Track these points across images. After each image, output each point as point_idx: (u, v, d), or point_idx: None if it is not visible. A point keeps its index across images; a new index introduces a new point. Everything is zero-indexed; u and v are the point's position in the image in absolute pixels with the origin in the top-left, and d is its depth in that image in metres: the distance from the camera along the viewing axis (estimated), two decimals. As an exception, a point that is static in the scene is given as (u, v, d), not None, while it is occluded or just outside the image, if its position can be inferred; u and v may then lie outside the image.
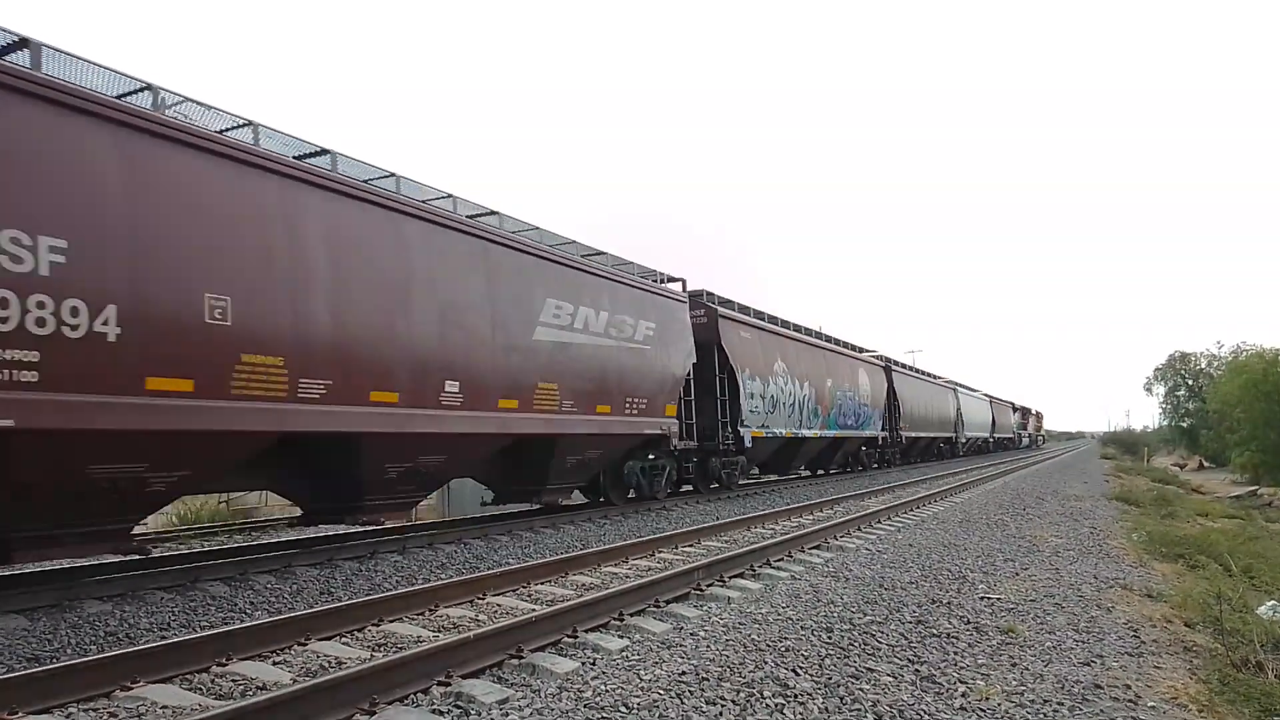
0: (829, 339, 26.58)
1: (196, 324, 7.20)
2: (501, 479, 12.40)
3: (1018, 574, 7.97)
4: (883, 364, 31.38)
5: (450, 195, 10.87)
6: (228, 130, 8.15)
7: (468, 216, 10.98)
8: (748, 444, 17.95)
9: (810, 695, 4.24)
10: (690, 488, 17.88)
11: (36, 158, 6.33)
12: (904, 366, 35.74)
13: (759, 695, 4.20)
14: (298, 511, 10.49)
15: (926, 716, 4.03)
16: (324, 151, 9.18)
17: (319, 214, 8.59)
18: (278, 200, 8.18)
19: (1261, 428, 33.47)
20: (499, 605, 6.70)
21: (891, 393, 30.92)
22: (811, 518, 13.30)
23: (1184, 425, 62.99)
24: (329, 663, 5.10)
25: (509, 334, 11.04)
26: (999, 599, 6.77)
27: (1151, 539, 10.94)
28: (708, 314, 17.57)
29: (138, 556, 8.10)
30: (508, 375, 10.96)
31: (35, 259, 6.11)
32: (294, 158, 8.72)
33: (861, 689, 4.38)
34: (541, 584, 7.56)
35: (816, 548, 9.61)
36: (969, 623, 5.92)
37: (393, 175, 9.88)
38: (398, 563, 9.01)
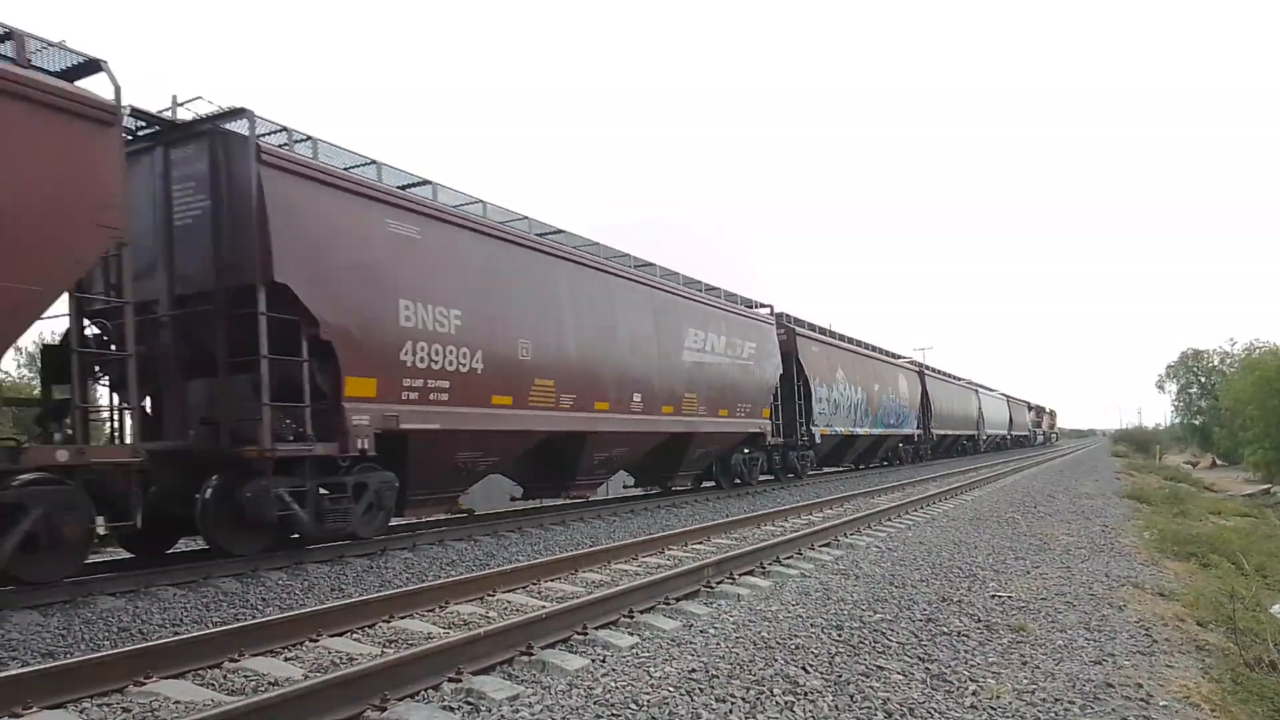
0: (875, 349, 30.32)
1: (515, 360, 11.23)
2: (649, 469, 16.51)
3: (1029, 572, 7.94)
4: (917, 369, 35.01)
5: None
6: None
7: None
8: (817, 440, 22.06)
9: (820, 693, 4.23)
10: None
11: (450, 260, 10.42)
12: (935, 370, 39.16)
13: (769, 693, 4.19)
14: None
15: (937, 715, 4.02)
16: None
17: (567, 280, 12.67)
18: (547, 272, 12.23)
19: (1275, 425, 33.27)
20: (509, 602, 6.72)
21: (925, 395, 34.28)
22: (821, 515, 13.28)
23: (1196, 423, 62.66)
24: (340, 659, 5.12)
25: (667, 357, 15.14)
26: (1010, 597, 6.75)
27: (1163, 537, 10.90)
28: (787, 332, 21.20)
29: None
30: (667, 388, 15.02)
31: (449, 324, 10.10)
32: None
33: (872, 687, 4.37)
34: (552, 581, 7.57)
35: (826, 545, 9.60)
36: (980, 621, 5.91)
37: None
38: (408, 559, 9.03)
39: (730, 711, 3.94)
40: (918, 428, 33.23)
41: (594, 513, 13.13)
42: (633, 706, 3.95)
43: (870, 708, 4.06)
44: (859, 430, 25.67)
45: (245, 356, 8.17)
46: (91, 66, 7.35)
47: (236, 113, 8.42)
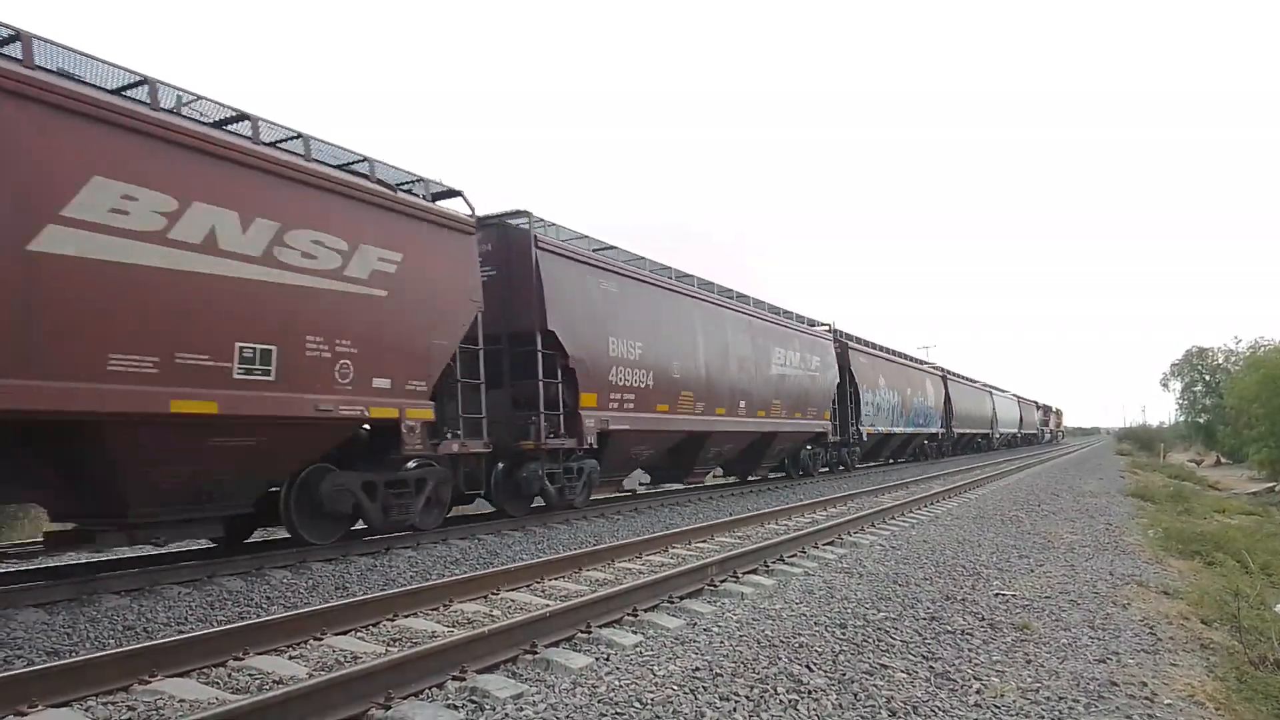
0: (908, 357, 34.95)
1: (670, 377, 14.97)
2: (739, 463, 20.07)
3: (1032, 570, 7.93)
4: (940, 373, 38.57)
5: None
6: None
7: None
8: (864, 438, 26.05)
9: (824, 691, 4.23)
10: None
11: (635, 306, 14.19)
12: (955, 375, 42.74)
13: (773, 691, 4.19)
14: None
15: (941, 713, 4.02)
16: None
17: (699, 314, 16.53)
18: (686, 310, 16.16)
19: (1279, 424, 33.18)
20: (513, 600, 6.72)
21: (947, 397, 37.82)
22: (825, 513, 13.28)
23: (1201, 421, 62.47)
24: (344, 657, 5.13)
25: (761, 371, 18.89)
26: (1014, 595, 6.74)
27: (1168, 535, 10.87)
28: (841, 346, 24.98)
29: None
30: (761, 396, 18.69)
31: (635, 352, 13.77)
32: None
33: (875, 685, 4.37)
34: (555, 579, 7.58)
35: (830, 544, 9.60)
36: (983, 619, 5.90)
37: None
38: (412, 558, 9.04)
39: (734, 710, 3.93)
40: (941, 427, 36.69)
41: (597, 511, 13.16)
42: (637, 705, 3.95)
43: (874, 706, 4.06)
44: (895, 429, 29.56)
45: (520, 379, 11.85)
46: (454, 193, 10.87)
47: (521, 213, 12.12)
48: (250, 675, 4.76)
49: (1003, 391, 56.85)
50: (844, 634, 5.35)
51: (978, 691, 4.35)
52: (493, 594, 6.90)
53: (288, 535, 9.23)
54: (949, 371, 40.72)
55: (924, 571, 7.70)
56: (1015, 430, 58.56)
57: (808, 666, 4.62)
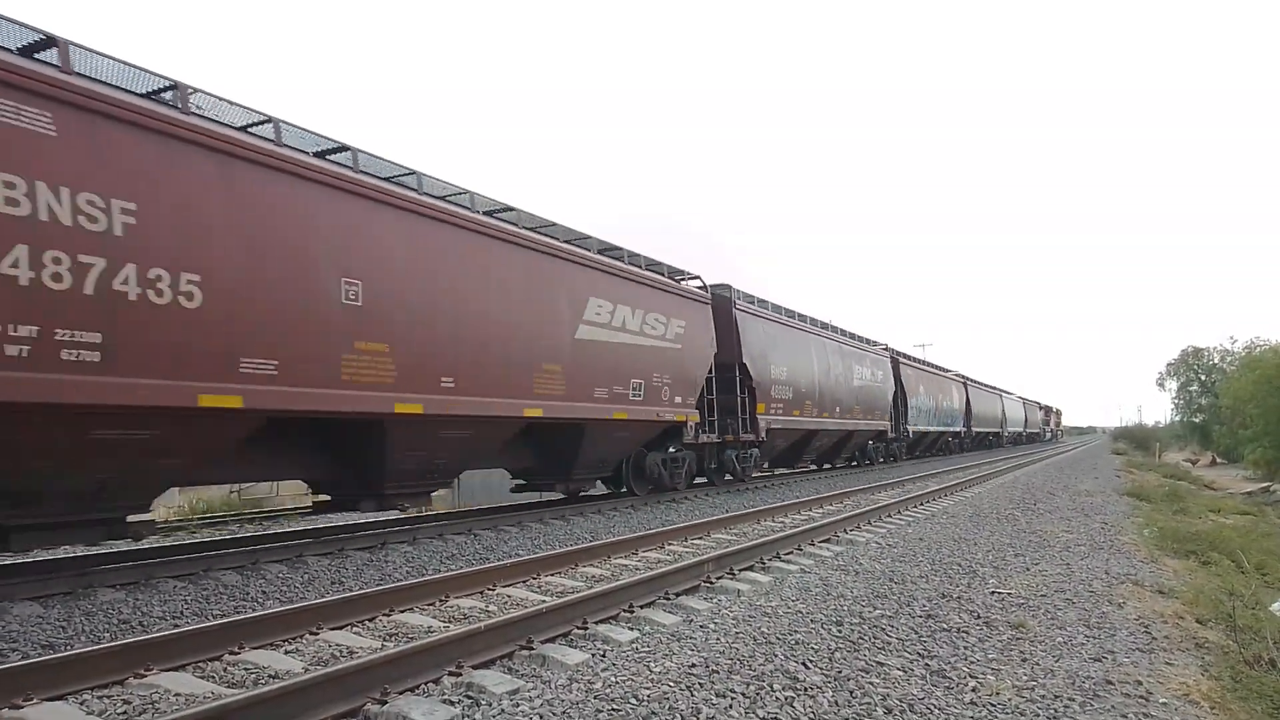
0: (939, 367, 41.24)
1: (800, 391, 20.42)
2: (826, 454, 25.74)
3: (1028, 569, 7.95)
4: (962, 380, 44.11)
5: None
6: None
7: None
8: (910, 436, 31.89)
9: (820, 688, 4.24)
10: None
11: (784, 341, 20.17)
12: (975, 381, 48.99)
13: (769, 688, 4.20)
14: (308, 501, 13.28)
15: (937, 710, 4.03)
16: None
17: (814, 343, 21.91)
18: (807, 340, 21.68)
19: (1274, 424, 33.23)
20: (509, 596, 6.72)
21: (967, 401, 43.64)
22: (821, 511, 13.28)
23: (1196, 421, 62.57)
24: (340, 652, 5.12)
25: (847, 383, 24.24)
26: (1009, 594, 6.75)
27: (1163, 535, 10.89)
28: (893, 360, 30.20)
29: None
30: (847, 403, 24.00)
31: (785, 373, 19.84)
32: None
33: (871, 682, 4.37)
34: (551, 575, 7.57)
35: (826, 541, 9.60)
36: (979, 617, 5.91)
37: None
38: (408, 553, 9.04)
39: (730, 706, 3.94)
40: (962, 426, 42.62)
41: (594, 507, 13.16)
42: (633, 701, 3.95)
43: (870, 704, 4.07)
44: (930, 428, 35.06)
45: (725, 394, 17.11)
46: (696, 276, 16.59)
47: (725, 286, 17.83)
48: (246, 669, 4.76)
49: (1010, 394, 63.23)
50: (840, 631, 5.36)
51: (973, 689, 4.35)
52: (489, 589, 6.90)
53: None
54: (969, 379, 47.37)
55: (920, 569, 7.71)
56: (1021, 429, 65.47)
57: (804, 664, 4.63)
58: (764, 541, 8.59)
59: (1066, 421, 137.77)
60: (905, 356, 33.16)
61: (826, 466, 27.38)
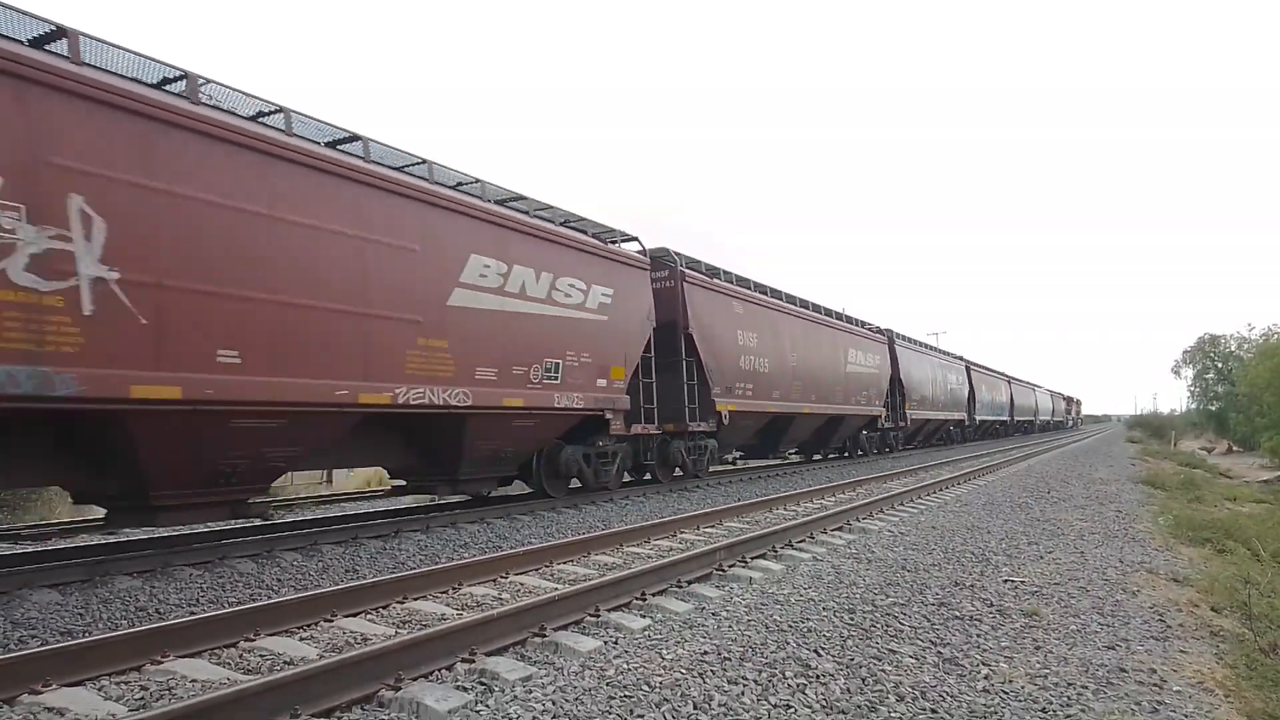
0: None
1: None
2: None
3: (1042, 557, 7.92)
4: (1005, 378, 49.82)
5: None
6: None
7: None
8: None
9: (832, 676, 4.24)
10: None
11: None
12: (1017, 378, 55.05)
13: (781, 675, 4.20)
14: (323, 490, 14.19)
15: (949, 698, 4.02)
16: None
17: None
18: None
19: (1292, 411, 32.98)
20: (522, 584, 6.75)
21: (1011, 396, 50.06)
22: (834, 499, 13.27)
23: (1212, 409, 62.11)
24: (355, 639, 5.16)
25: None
26: (1023, 582, 6.73)
27: (1178, 523, 10.83)
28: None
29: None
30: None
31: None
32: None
33: (884, 670, 4.37)
34: (564, 563, 7.60)
35: (839, 529, 9.60)
36: (992, 605, 5.90)
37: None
38: (421, 542, 9.08)
39: (742, 693, 3.94)
40: (1005, 416, 48.78)
41: (606, 496, 13.17)
42: (645, 688, 3.97)
43: (882, 691, 4.07)
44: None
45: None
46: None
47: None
48: (261, 656, 4.80)
49: (1041, 387, 69.04)
50: (852, 619, 5.35)
51: (986, 677, 4.34)
52: (501, 577, 6.93)
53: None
54: (1013, 377, 50.99)
55: (932, 557, 7.70)
56: (1049, 417, 71.55)
57: (816, 651, 4.63)
58: (776, 529, 8.59)
59: (1083, 410, 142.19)
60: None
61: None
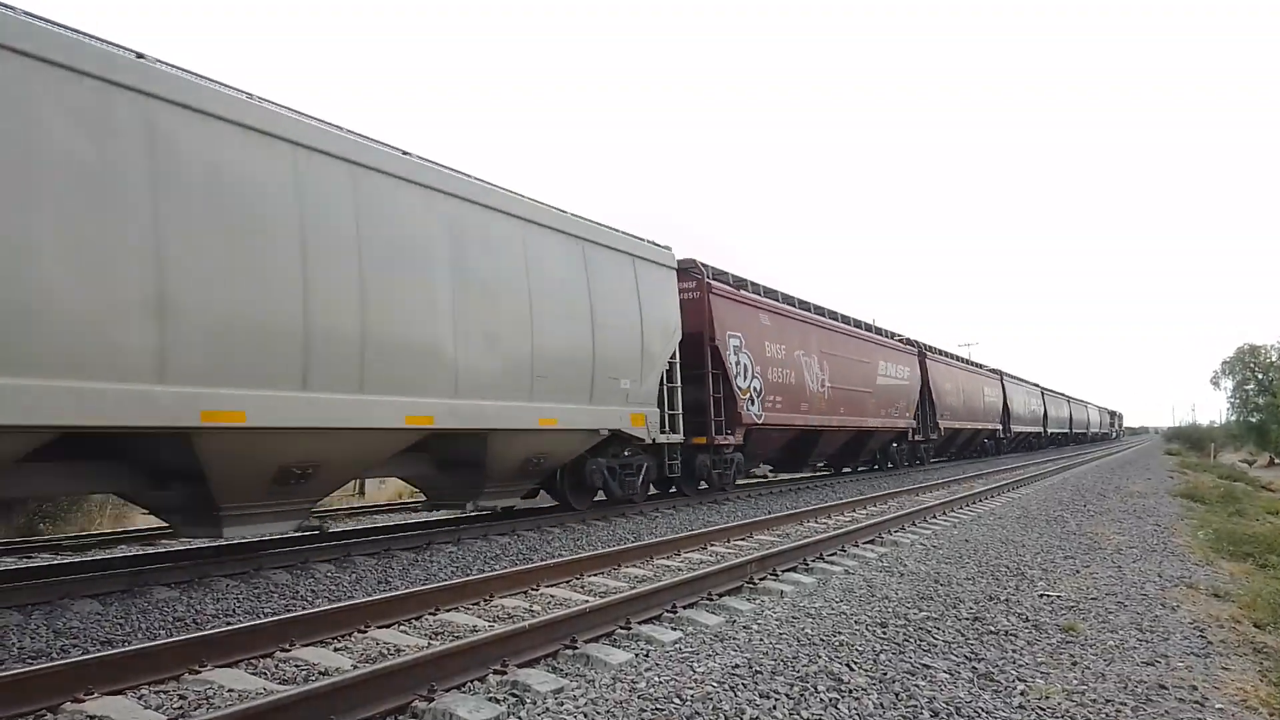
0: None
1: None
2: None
3: (1078, 571, 7.81)
4: (1039, 390, 50.58)
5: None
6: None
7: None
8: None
9: (865, 690, 4.21)
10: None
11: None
12: (1056, 392, 58.20)
13: (813, 689, 4.18)
14: (356, 502, 12.44)
15: (984, 714, 3.98)
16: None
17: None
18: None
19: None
20: (553, 596, 6.77)
21: (1045, 408, 51.20)
22: (865, 512, 13.18)
23: (1253, 420, 60.94)
24: (388, 650, 5.20)
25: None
26: (1059, 596, 6.64)
27: (1218, 537, 10.63)
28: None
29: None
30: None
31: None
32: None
33: (917, 685, 4.33)
34: (594, 575, 7.61)
35: (870, 542, 9.52)
36: (1027, 620, 5.82)
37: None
38: (452, 553, 9.14)
39: (774, 707, 3.93)
40: (1043, 428, 50.57)
41: (635, 509, 13.17)
42: (676, 701, 3.96)
43: (916, 706, 4.03)
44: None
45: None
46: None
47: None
48: (297, 666, 4.85)
49: (1091, 403, 73.90)
50: (885, 633, 5.31)
51: (1022, 693, 4.29)
52: (532, 589, 6.95)
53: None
54: (1049, 389, 52.27)
55: (966, 571, 7.62)
56: (1096, 429, 76.83)
57: (848, 665, 4.60)
58: (807, 542, 8.55)
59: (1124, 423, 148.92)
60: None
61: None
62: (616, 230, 12.82)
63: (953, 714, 3.95)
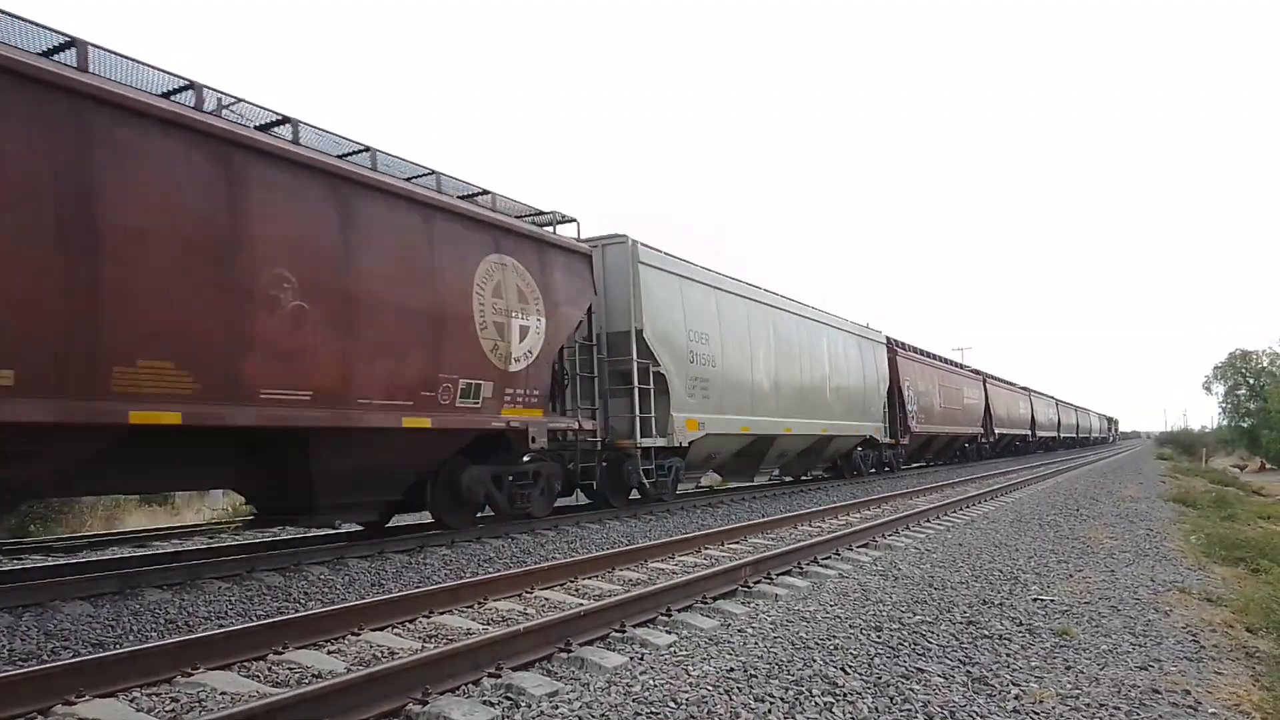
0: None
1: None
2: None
3: (1071, 576, 7.82)
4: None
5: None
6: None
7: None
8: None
9: (860, 694, 4.21)
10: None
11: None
12: (1062, 401, 62.16)
13: (808, 693, 4.18)
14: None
15: (979, 718, 3.98)
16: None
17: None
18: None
19: (1327, 429, 32.41)
20: (547, 599, 6.75)
21: (1058, 415, 58.01)
22: (859, 516, 13.19)
23: (1244, 425, 61.17)
24: (381, 653, 5.18)
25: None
26: (1052, 601, 6.66)
27: (1210, 542, 10.66)
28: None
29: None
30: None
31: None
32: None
33: (912, 689, 4.33)
34: (589, 579, 7.60)
35: (864, 546, 9.53)
36: (1021, 624, 5.83)
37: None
38: (446, 556, 9.11)
39: (769, 711, 3.93)
40: (1055, 432, 55.66)
41: (630, 512, 13.17)
42: (671, 704, 3.96)
43: (910, 710, 4.03)
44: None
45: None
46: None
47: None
48: (290, 669, 4.83)
49: (1089, 409, 77.37)
50: (879, 637, 5.32)
51: (1016, 697, 4.29)
52: (527, 592, 6.94)
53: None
54: (1059, 399, 56.41)
55: (960, 575, 7.63)
56: (1093, 434, 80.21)
57: (843, 669, 4.60)
58: (801, 546, 8.54)
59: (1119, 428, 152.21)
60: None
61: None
62: (854, 322, 23.12)
63: (947, 718, 3.95)
